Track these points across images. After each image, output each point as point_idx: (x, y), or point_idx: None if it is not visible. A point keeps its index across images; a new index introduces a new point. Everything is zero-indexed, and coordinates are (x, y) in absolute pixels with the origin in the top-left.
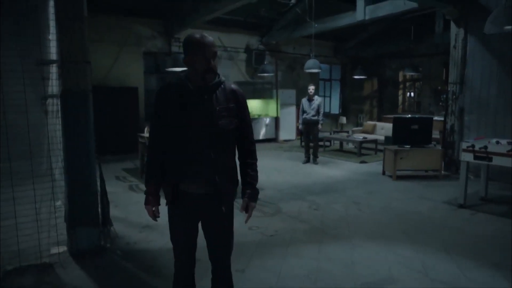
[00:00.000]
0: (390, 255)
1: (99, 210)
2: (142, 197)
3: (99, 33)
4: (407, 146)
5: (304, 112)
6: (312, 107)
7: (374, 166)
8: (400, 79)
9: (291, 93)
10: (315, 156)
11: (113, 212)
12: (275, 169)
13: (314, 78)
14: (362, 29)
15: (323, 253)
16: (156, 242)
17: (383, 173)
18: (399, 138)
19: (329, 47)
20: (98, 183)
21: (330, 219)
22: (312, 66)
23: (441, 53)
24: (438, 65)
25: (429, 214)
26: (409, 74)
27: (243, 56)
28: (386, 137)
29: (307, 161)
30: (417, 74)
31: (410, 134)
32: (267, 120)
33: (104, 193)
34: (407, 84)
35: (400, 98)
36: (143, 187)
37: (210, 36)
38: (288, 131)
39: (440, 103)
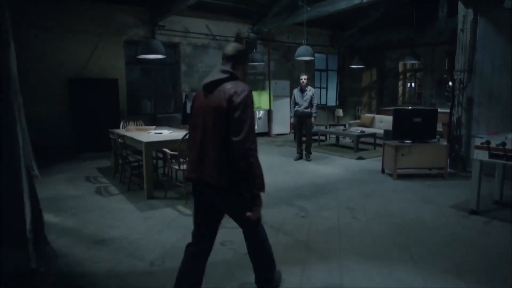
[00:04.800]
0: (387, 280)
1: (29, 226)
2: (107, 202)
3: (75, 21)
4: (408, 141)
5: (296, 104)
6: (304, 98)
7: (372, 163)
8: (400, 69)
9: (285, 84)
10: (308, 152)
11: (68, 222)
12: (264, 167)
13: (309, 68)
14: (361, 16)
15: (306, 277)
16: (105, 263)
17: (382, 171)
18: (400, 133)
19: (326, 35)
20: (27, 196)
21: (318, 231)
22: (304, 53)
23: (444, 42)
24: (440, 55)
25: (434, 222)
26: (409, 62)
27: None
28: (386, 131)
29: (300, 157)
30: (419, 63)
31: (412, 128)
32: (259, 113)
33: (36, 206)
34: (408, 74)
35: (400, 89)
36: (112, 189)
37: None
38: (282, 125)
39: (446, 93)
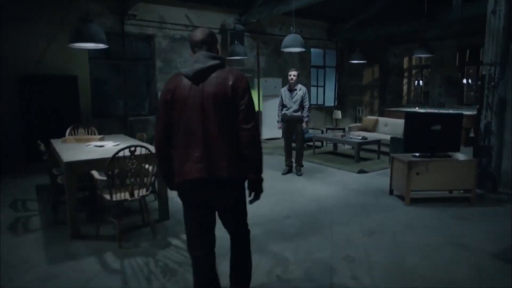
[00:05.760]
0: None
1: None
2: (14, 245)
3: (27, 7)
4: (416, 154)
5: (283, 106)
6: (294, 99)
7: (377, 178)
8: (405, 65)
9: (277, 82)
10: (299, 165)
11: None
12: None
13: (305, 65)
14: (362, 6)
15: None
16: None
17: (391, 192)
18: (413, 144)
19: (323, 28)
20: None
21: None
22: (291, 43)
23: (455, 35)
24: (450, 50)
25: (475, 286)
26: (416, 57)
27: (217, 38)
28: (393, 139)
29: (289, 170)
30: (425, 59)
31: (430, 138)
32: None
33: None
34: (413, 71)
35: (405, 87)
36: (34, 222)
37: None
38: (273, 128)
39: (472, 93)
